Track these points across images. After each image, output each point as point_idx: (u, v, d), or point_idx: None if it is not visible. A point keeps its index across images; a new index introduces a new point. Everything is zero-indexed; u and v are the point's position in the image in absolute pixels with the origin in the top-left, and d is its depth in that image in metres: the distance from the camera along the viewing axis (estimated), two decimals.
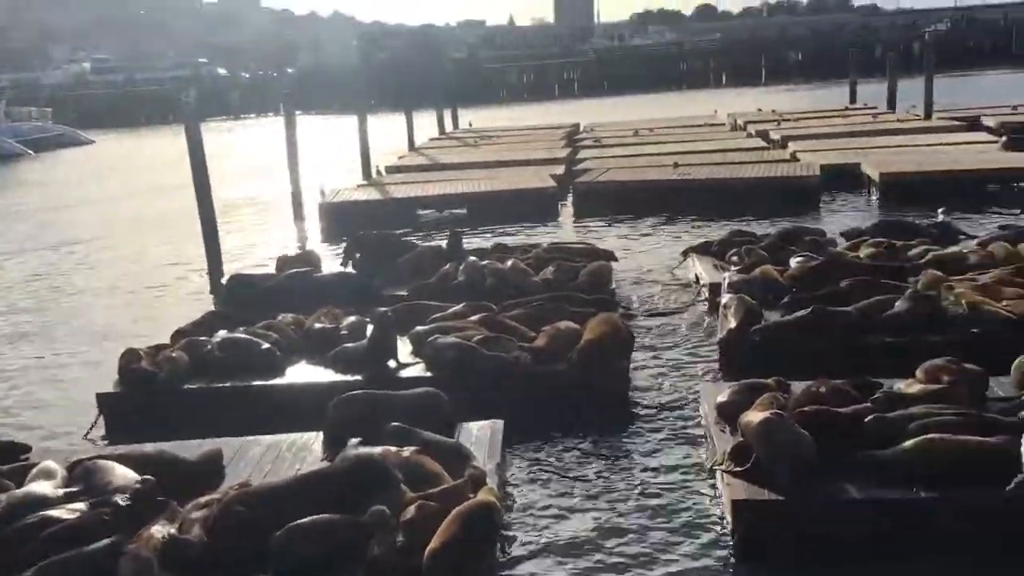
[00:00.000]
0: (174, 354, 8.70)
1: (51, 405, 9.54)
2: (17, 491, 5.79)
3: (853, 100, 34.37)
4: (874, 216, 15.45)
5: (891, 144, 21.49)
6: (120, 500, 5.45)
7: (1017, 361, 7.03)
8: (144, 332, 11.17)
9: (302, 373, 8.57)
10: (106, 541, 5.06)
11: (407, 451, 5.91)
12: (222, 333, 9.08)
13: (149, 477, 5.74)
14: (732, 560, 5.68)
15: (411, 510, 5.20)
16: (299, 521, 5.08)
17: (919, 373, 6.94)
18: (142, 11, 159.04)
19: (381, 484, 5.41)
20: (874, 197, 17.45)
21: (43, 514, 5.34)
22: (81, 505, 5.51)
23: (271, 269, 12.44)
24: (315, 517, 5.13)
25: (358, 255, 12.40)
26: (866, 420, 6.10)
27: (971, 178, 16.99)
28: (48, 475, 6.03)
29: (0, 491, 5.87)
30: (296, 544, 5.00)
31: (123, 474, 5.93)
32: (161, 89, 69.17)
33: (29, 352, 11.48)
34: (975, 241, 11.25)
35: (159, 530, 5.15)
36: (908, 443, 5.74)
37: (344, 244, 13.08)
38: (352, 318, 9.37)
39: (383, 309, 8.72)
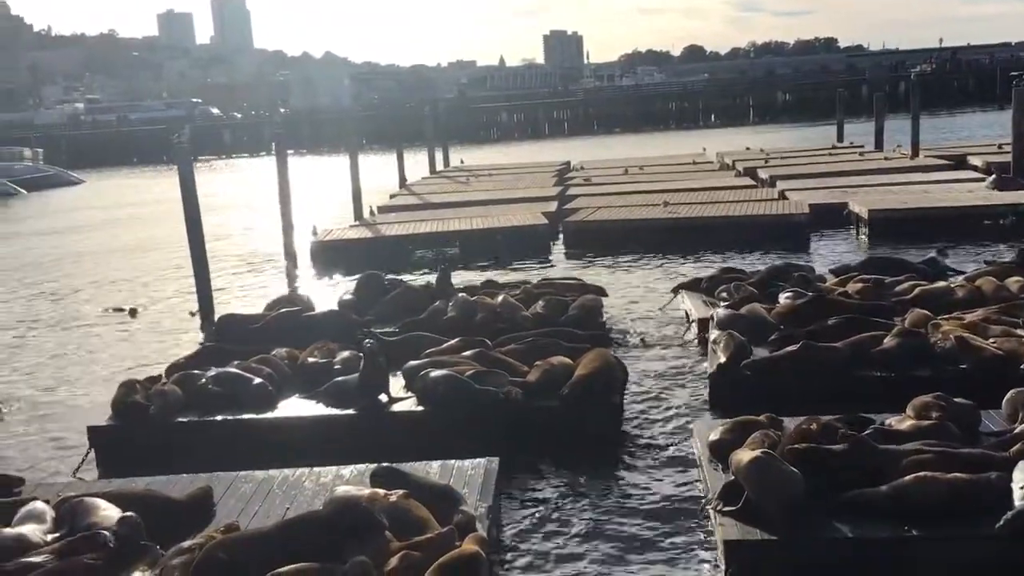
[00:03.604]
0: (167, 387, 8.68)
1: (42, 439, 9.48)
2: (2, 534, 5.71)
3: (840, 139, 34.75)
4: (863, 254, 15.57)
5: (879, 183, 21.70)
6: (103, 542, 5.38)
7: (1008, 395, 7.07)
8: (135, 367, 11.13)
9: (295, 407, 8.56)
10: None
11: (394, 495, 5.77)
12: (215, 368, 9.07)
13: (131, 516, 5.68)
14: None
15: (393, 561, 5.05)
16: (278, 571, 4.97)
17: (909, 409, 6.96)
18: (135, 52, 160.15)
19: (365, 530, 5.30)
20: (863, 235, 17.59)
21: (24, 560, 5.27)
22: (61, 547, 5.44)
23: (261, 308, 12.43)
24: (295, 567, 5.00)
25: (350, 296, 12.41)
26: (859, 439, 6.09)
27: (958, 215, 17.17)
28: (35, 516, 5.97)
29: None
30: None
31: (109, 515, 5.86)
32: (154, 129, 69.44)
33: (21, 386, 11.42)
34: (962, 276, 11.34)
35: None
36: (899, 481, 5.74)
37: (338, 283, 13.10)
38: (346, 353, 9.37)
39: (371, 342, 8.68)
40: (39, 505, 6.10)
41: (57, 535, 5.75)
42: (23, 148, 54.73)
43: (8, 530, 5.74)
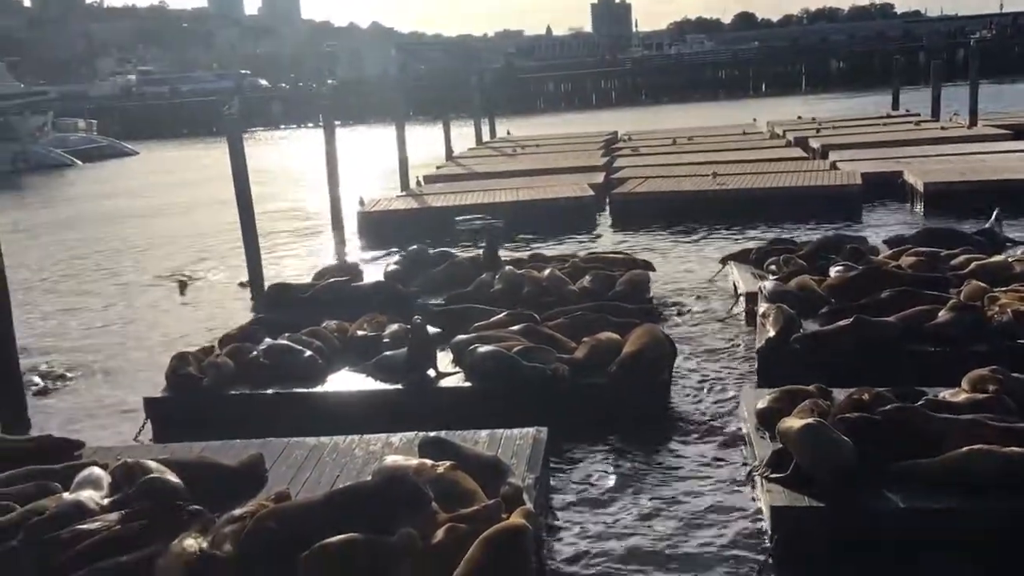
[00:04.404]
0: (219, 360, 8.84)
1: (101, 405, 9.75)
2: (60, 501, 5.85)
3: (896, 107, 33.97)
4: (918, 226, 15.26)
5: (935, 152, 21.20)
6: (154, 510, 5.50)
7: None
8: (188, 333, 11.35)
9: (344, 380, 8.65)
10: (138, 553, 5.10)
11: (441, 467, 5.79)
12: (267, 340, 9.20)
13: (179, 484, 5.79)
14: (771, 565, 5.64)
15: (440, 533, 5.06)
16: (326, 541, 5.02)
17: (964, 383, 6.85)
18: (185, 23, 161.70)
19: (412, 502, 5.33)
20: (918, 207, 17.22)
21: (79, 527, 5.42)
22: (116, 515, 5.59)
23: (310, 278, 12.57)
24: (343, 537, 5.05)
25: (396, 267, 12.49)
26: (912, 408, 6.02)
27: (1018, 186, 16.70)
28: (92, 482, 6.12)
29: (46, 494, 5.98)
30: (322, 565, 4.93)
31: (164, 479, 6.00)
32: (205, 100, 70.19)
33: (78, 354, 11.72)
34: (1021, 250, 11.06)
35: (191, 544, 5.15)
36: (952, 453, 5.67)
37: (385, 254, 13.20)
38: (395, 326, 9.43)
39: (419, 318, 8.74)
40: (96, 471, 6.25)
41: (113, 499, 5.90)
42: (77, 119, 55.72)
43: (68, 496, 5.89)
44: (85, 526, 5.42)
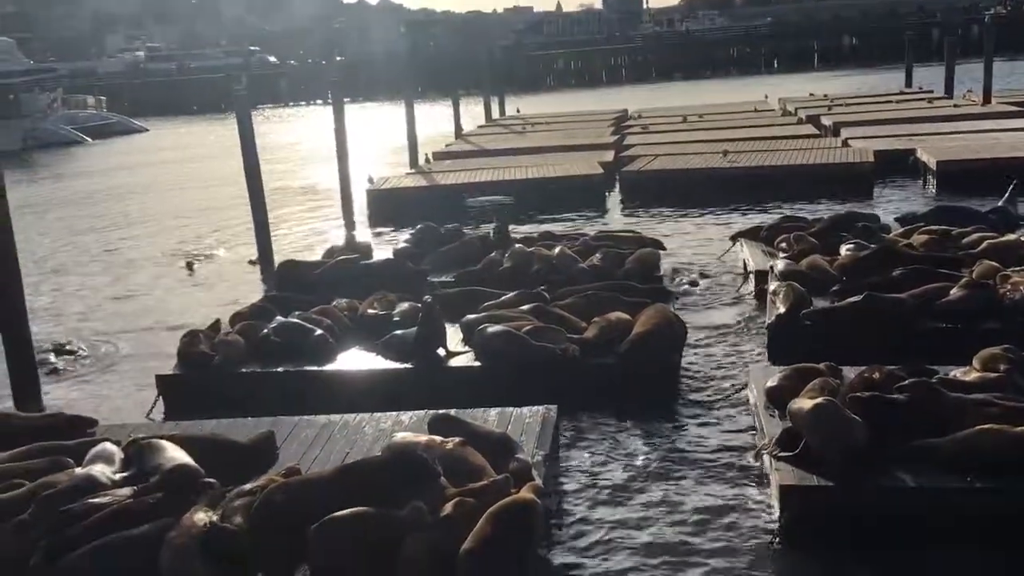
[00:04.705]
0: (230, 337, 8.86)
1: (113, 383, 9.81)
2: (72, 474, 5.90)
3: (909, 85, 33.66)
4: (931, 204, 15.14)
5: (948, 130, 21.00)
6: (164, 485, 5.54)
7: None
8: (197, 316, 11.37)
9: (353, 359, 8.68)
10: (149, 526, 5.15)
11: (451, 443, 5.83)
12: (278, 318, 9.23)
13: (188, 463, 5.81)
14: (779, 545, 5.65)
15: (448, 507, 5.09)
16: (335, 515, 5.06)
17: (976, 361, 6.82)
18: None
19: (420, 477, 5.37)
20: (930, 185, 17.09)
21: (90, 501, 5.45)
22: (128, 490, 5.63)
23: (320, 256, 12.58)
24: (352, 511, 5.09)
25: (406, 244, 12.49)
26: (926, 385, 6.01)
27: None
28: (105, 457, 6.17)
29: (59, 468, 6.02)
30: (330, 538, 4.99)
31: (175, 457, 6.02)
32: (213, 77, 70.03)
33: (90, 331, 11.76)
34: None
35: (201, 517, 5.20)
36: (963, 432, 5.65)
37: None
38: (405, 304, 9.44)
39: (431, 296, 8.75)
40: (109, 446, 6.30)
41: (125, 475, 5.94)
42: (87, 96, 55.71)
43: (79, 470, 5.94)
44: (96, 500, 5.47)
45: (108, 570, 5.00)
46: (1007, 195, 12.11)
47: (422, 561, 4.83)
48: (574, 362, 8.07)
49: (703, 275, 11.81)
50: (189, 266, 15.22)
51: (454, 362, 8.41)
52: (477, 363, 8.33)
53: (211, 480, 5.68)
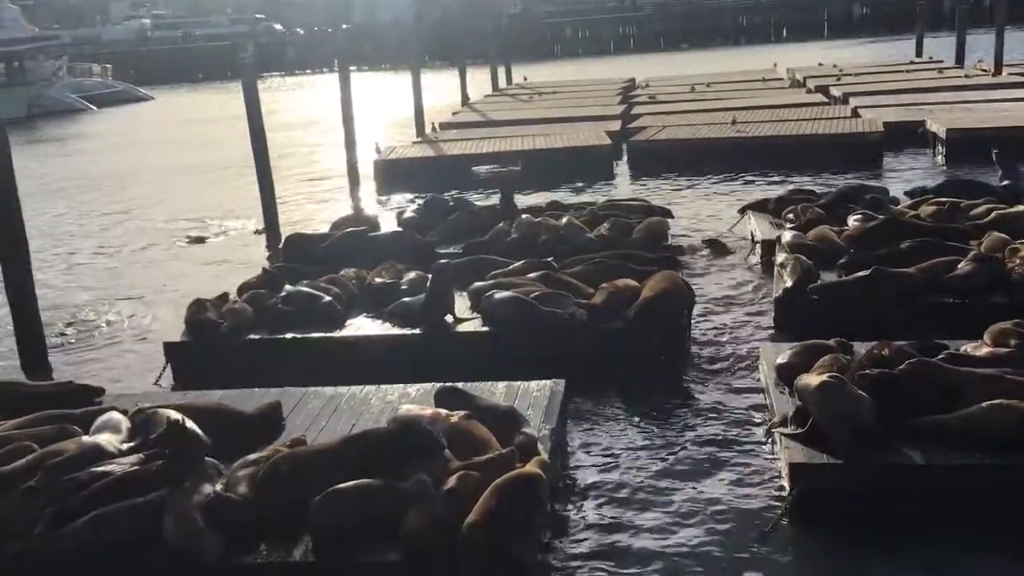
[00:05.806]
0: (238, 305, 8.88)
1: (121, 352, 9.84)
2: (80, 442, 5.91)
3: (919, 54, 33.31)
4: (940, 175, 15.04)
5: (958, 100, 20.81)
6: (170, 455, 5.54)
7: None
8: (203, 285, 11.37)
9: (361, 326, 8.68)
10: (153, 495, 5.17)
11: (456, 416, 5.82)
12: (287, 287, 9.23)
13: (176, 421, 5.73)
14: (787, 522, 5.65)
15: (452, 480, 5.06)
16: (338, 486, 5.07)
17: (986, 336, 6.77)
18: None
19: (424, 450, 5.37)
20: (940, 155, 16.96)
21: (95, 469, 5.48)
22: (134, 458, 5.65)
23: (327, 227, 12.54)
24: (355, 483, 5.10)
25: (413, 215, 12.45)
26: (935, 362, 5.99)
27: None
28: (111, 426, 6.19)
29: (66, 437, 6.05)
30: (333, 509, 5.01)
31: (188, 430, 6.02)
32: (219, 45, 69.60)
33: (97, 305, 11.78)
34: None
35: (205, 486, 5.22)
36: (972, 408, 5.62)
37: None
38: (413, 273, 9.45)
39: (442, 263, 8.74)
40: (115, 415, 6.32)
41: (132, 444, 5.97)
42: (92, 64, 55.43)
43: (85, 438, 5.97)
44: (102, 468, 5.49)
45: (109, 539, 5.02)
46: (1000, 166, 11.98)
47: (425, 534, 4.83)
48: (582, 326, 8.06)
49: (709, 243, 11.77)
50: (198, 239, 15.05)
51: (462, 328, 8.41)
52: (485, 329, 8.32)
53: (215, 461, 5.64)
